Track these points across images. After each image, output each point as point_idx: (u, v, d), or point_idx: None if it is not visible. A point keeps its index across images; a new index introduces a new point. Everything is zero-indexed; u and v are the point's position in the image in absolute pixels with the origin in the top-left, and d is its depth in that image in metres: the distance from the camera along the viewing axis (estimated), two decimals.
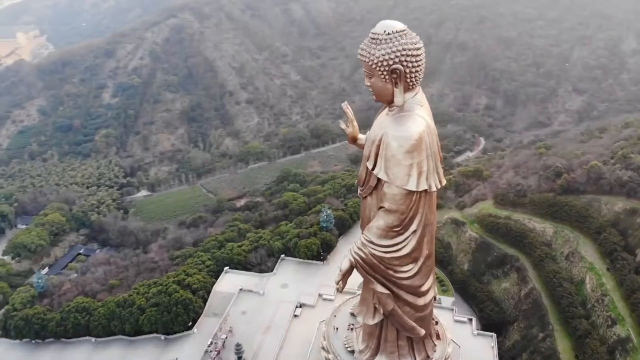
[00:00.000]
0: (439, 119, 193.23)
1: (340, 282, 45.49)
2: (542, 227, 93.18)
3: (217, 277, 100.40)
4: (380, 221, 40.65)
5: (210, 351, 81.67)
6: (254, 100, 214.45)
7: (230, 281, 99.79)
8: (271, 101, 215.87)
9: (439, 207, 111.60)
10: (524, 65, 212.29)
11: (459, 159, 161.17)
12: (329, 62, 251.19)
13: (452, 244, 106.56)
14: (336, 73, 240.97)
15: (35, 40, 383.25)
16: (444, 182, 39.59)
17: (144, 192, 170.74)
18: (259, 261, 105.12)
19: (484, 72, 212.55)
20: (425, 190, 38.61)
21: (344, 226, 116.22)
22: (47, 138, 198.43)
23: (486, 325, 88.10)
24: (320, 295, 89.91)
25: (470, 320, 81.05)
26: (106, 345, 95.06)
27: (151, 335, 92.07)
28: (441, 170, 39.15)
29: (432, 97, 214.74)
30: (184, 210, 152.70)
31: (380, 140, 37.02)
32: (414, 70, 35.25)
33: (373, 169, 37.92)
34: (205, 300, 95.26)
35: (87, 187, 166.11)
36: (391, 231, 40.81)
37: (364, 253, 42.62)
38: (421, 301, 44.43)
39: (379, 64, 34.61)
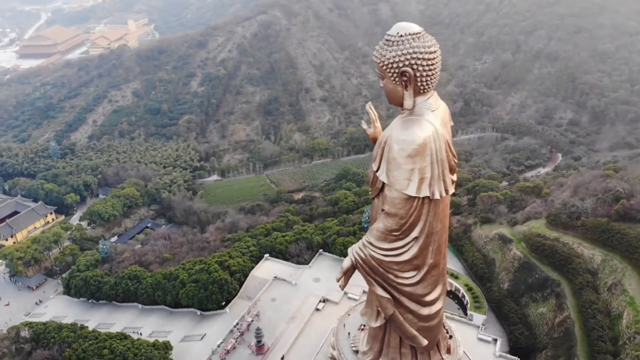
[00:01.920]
0: (516, 130, 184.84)
1: (342, 279, 46.88)
2: (591, 253, 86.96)
3: (257, 263, 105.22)
4: (380, 224, 40.61)
5: (235, 331, 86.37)
6: (328, 98, 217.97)
7: (268, 268, 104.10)
8: (345, 100, 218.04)
9: (489, 221, 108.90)
10: (618, 81, 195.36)
11: (529, 174, 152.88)
12: None
13: (496, 260, 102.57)
14: None
15: (143, 28, 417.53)
16: (451, 191, 38.79)
17: (215, 177, 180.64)
18: (298, 253, 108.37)
19: (573, 85, 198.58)
20: (430, 198, 37.99)
21: None
22: (137, 119, 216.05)
23: (514, 348, 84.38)
24: (345, 293, 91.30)
25: (495, 340, 78.29)
26: (149, 313, 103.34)
27: (189, 309, 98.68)
28: (449, 179, 38.43)
29: (513, 107, 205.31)
30: (246, 197, 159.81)
31: (385, 142, 37.09)
32: (424, 74, 34.88)
33: (377, 170, 37.86)
34: (241, 283, 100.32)
35: (164, 167, 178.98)
36: (390, 235, 40.59)
37: (364, 254, 42.90)
38: (425, 311, 43.73)
39: (389, 65, 34.77)
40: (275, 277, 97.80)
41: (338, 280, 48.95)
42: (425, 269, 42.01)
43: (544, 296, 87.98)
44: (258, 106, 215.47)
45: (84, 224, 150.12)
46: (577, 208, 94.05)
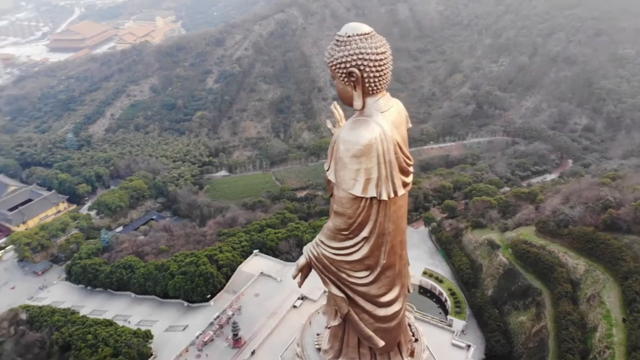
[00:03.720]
0: (527, 135, 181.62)
1: (298, 276, 47.78)
2: (575, 262, 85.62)
3: (247, 258, 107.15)
4: (330, 222, 41.05)
5: (215, 324, 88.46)
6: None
7: (256, 264, 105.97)
8: None
9: (480, 226, 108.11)
10: (637, 87, 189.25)
11: (535, 180, 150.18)
12: (425, 65, 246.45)
13: (483, 266, 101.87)
14: (429, 77, 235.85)
15: (170, 25, 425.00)
16: (400, 192, 38.51)
17: (223, 173, 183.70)
18: (288, 250, 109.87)
19: (589, 90, 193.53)
20: (378, 199, 37.83)
21: None
22: (153, 113, 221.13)
23: (490, 356, 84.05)
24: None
25: (469, 347, 78.07)
26: (141, 302, 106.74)
27: (177, 300, 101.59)
28: (399, 180, 38.25)
29: (527, 111, 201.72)
30: (250, 194, 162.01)
31: (334, 142, 37.25)
32: (371, 75, 34.75)
33: (328, 169, 38.34)
34: (228, 277, 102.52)
35: (174, 161, 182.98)
36: (339, 234, 40.83)
37: (316, 252, 43.51)
38: (381, 312, 43.86)
39: (337, 65, 34.78)
40: (262, 273, 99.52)
41: (294, 277, 50.11)
42: (378, 269, 42.07)
43: (525, 304, 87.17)
44: (270, 104, 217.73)
45: (92, 213, 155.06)
46: (565, 216, 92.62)
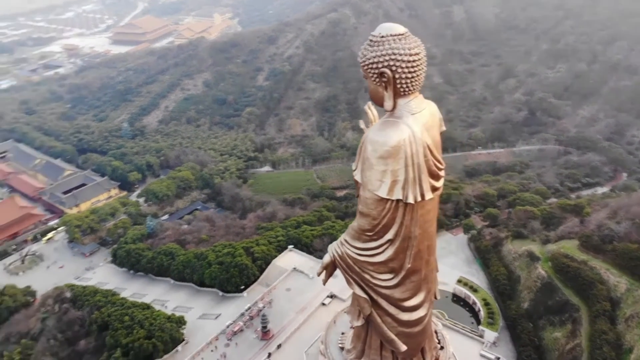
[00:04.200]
0: (580, 145, 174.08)
1: (323, 274, 48.54)
2: (617, 280, 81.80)
3: (281, 252, 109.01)
4: (355, 222, 41.08)
5: (245, 315, 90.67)
6: None
7: (290, 259, 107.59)
8: None
9: (521, 236, 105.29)
10: None
11: (585, 192, 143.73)
12: (478, 68, 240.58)
13: (521, 278, 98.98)
14: (482, 80, 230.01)
15: (227, 21, 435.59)
16: (428, 196, 37.85)
17: (266, 168, 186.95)
18: (322, 247, 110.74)
19: None
20: (404, 201, 37.32)
21: None
22: (205, 107, 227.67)
23: None
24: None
25: (498, 359, 76.35)
26: (179, 288, 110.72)
27: (212, 289, 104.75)
28: (427, 184, 37.63)
29: (582, 120, 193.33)
30: (291, 190, 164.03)
31: (362, 142, 37.19)
32: (403, 76, 34.50)
33: (355, 169, 38.50)
34: (262, 270, 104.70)
35: (221, 155, 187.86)
36: (363, 234, 40.79)
37: (340, 251, 43.91)
38: (405, 316, 43.56)
39: (369, 65, 34.79)
40: (294, 269, 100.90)
41: (319, 275, 50.71)
42: (402, 273, 41.84)
43: (562, 320, 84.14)
44: (316, 102, 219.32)
45: (141, 200, 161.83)
46: (610, 231, 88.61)
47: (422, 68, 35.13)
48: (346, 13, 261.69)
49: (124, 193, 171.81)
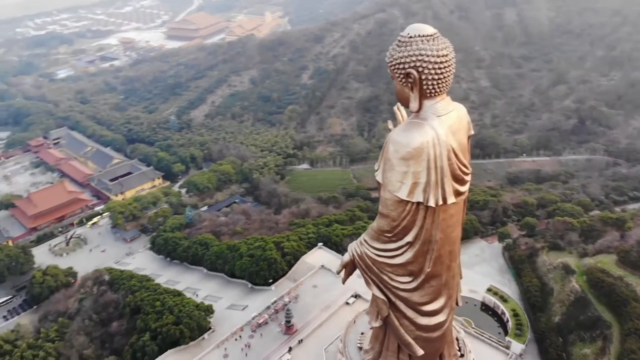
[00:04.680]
0: (631, 157, 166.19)
1: (342, 272, 49.28)
2: None
3: (311, 249, 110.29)
4: (374, 223, 40.62)
5: (271, 308, 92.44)
6: None
7: (318, 256, 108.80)
8: None
9: (557, 248, 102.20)
10: None
11: (631, 206, 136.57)
12: (528, 73, 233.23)
13: (554, 290, 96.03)
14: (531, 85, 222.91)
15: (277, 20, 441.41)
16: (450, 200, 37.17)
17: (304, 166, 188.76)
18: None
19: None
20: (425, 204, 36.66)
21: None
22: (249, 104, 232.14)
23: None
24: None
25: None
26: (211, 278, 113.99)
27: (242, 281, 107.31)
28: (450, 188, 37.01)
29: (634, 130, 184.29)
30: (327, 189, 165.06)
31: (385, 142, 37.00)
32: (430, 77, 34.20)
33: (377, 169, 38.16)
34: (291, 266, 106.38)
35: (261, 150, 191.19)
36: (382, 235, 40.49)
37: (360, 251, 44.22)
38: (423, 320, 42.93)
39: (396, 65, 34.70)
40: (322, 266, 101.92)
41: (338, 273, 51.31)
42: (422, 277, 41.18)
43: (592, 337, 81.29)
44: (358, 102, 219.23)
45: (182, 191, 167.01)
46: None
47: (450, 70, 34.72)
48: (394, 14, 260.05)
49: (167, 183, 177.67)
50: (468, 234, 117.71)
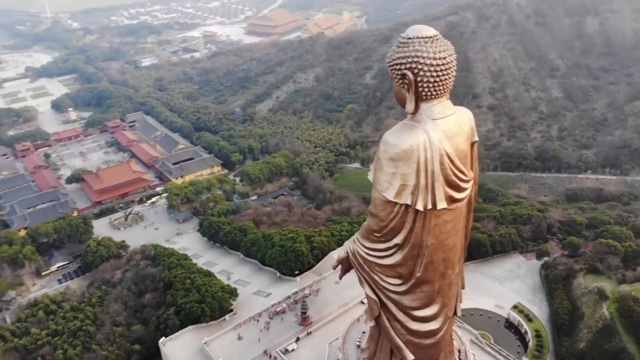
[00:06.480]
0: None
1: (338, 268, 51.65)
2: None
3: (340, 246, 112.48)
4: (365, 222, 42.91)
5: (291, 298, 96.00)
6: (496, 107, 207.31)
7: None
8: (514, 112, 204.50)
9: (596, 271, 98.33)
10: None
11: None
12: (605, 85, 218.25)
13: (585, 315, 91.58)
14: (606, 99, 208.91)
15: (354, 19, 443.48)
16: (441, 205, 37.04)
17: (356, 165, 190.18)
18: None
19: None
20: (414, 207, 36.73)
21: (479, 251, 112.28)
22: (311, 101, 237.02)
23: None
24: None
25: None
26: (245, 263, 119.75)
27: (272, 270, 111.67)
28: (442, 193, 36.70)
29: None
30: (371, 189, 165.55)
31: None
32: (425, 79, 34.16)
33: (371, 170, 39.38)
34: (318, 260, 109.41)
35: (315, 147, 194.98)
36: (371, 234, 41.99)
37: (352, 248, 46.20)
38: (414, 326, 44.04)
39: (393, 66, 35.23)
40: None
41: (334, 269, 53.52)
42: (412, 281, 41.95)
43: None
44: None
45: (236, 179, 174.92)
46: None
47: (449, 73, 34.62)
48: (467, 17, 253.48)
49: (225, 171, 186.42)
50: (505, 248, 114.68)
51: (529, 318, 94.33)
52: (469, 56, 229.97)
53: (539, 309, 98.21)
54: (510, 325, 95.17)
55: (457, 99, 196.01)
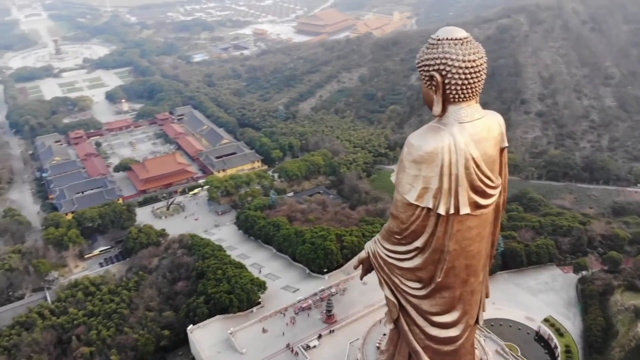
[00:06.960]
0: None
1: (359, 268, 52.71)
2: None
3: None
4: (387, 223, 43.56)
5: (317, 295, 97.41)
6: (544, 114, 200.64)
7: None
8: (564, 120, 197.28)
9: (634, 289, 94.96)
10: None
11: None
12: None
13: (619, 333, 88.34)
14: None
15: (404, 20, 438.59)
16: (464, 211, 36.46)
17: (394, 166, 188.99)
18: None
19: None
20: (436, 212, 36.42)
21: (513, 261, 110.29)
22: (354, 101, 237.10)
23: None
24: None
25: None
26: (277, 258, 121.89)
27: (302, 266, 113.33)
28: (465, 198, 36.13)
29: None
30: None
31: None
32: (453, 82, 33.94)
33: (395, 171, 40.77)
34: (347, 259, 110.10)
35: (354, 147, 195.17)
36: (392, 236, 42.54)
37: (373, 249, 47.31)
38: (434, 331, 44.34)
39: (422, 67, 35.31)
40: None
41: (355, 268, 54.49)
42: (432, 286, 42.25)
43: None
44: None
45: (275, 175, 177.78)
46: None
47: (478, 76, 34.17)
48: (519, 20, 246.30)
49: (265, 167, 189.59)
50: (541, 259, 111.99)
51: (560, 332, 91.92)
52: (520, 60, 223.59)
53: (572, 324, 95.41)
54: (540, 338, 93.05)
55: (505, 104, 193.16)
